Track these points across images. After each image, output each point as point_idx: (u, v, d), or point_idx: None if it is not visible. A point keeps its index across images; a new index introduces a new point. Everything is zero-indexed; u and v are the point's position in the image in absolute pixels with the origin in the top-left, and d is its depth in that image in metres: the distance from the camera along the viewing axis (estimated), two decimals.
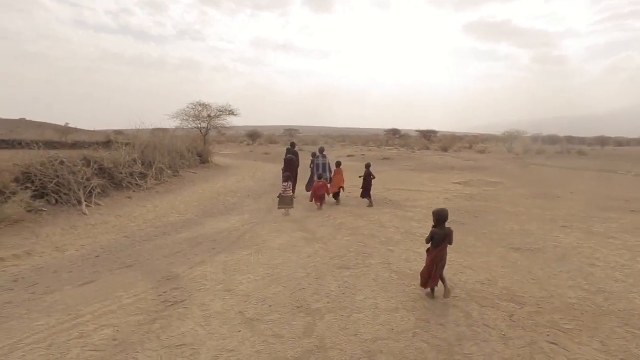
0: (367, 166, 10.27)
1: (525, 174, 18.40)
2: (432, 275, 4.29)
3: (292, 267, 5.34)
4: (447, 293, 4.29)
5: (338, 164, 10.40)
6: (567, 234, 7.16)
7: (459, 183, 14.51)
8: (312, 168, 10.91)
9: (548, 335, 3.54)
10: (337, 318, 3.87)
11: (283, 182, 8.94)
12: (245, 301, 4.29)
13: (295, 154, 11.29)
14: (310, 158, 11.31)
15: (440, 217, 4.35)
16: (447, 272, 5.06)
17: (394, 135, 59.95)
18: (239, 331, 3.64)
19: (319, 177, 9.97)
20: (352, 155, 28.91)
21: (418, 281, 4.59)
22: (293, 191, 9.32)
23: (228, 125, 21.99)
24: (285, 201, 8.81)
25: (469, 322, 3.78)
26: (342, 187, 10.26)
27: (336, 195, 10.15)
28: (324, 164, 10.63)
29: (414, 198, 10.95)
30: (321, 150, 11.04)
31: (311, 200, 9.70)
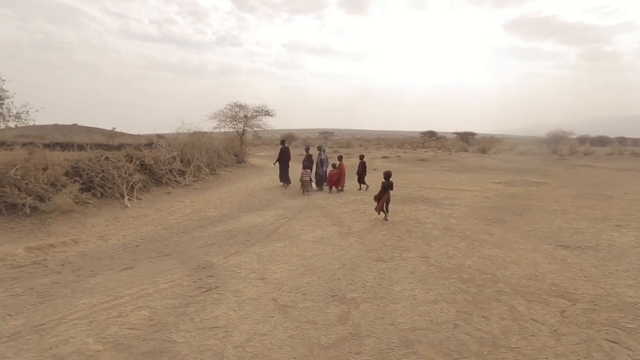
0: (361, 157, 12.14)
1: (572, 175, 17.33)
2: (381, 207, 7.53)
3: (327, 259, 5.25)
4: (386, 218, 7.51)
5: (340, 157, 12.10)
6: (623, 233, 6.61)
7: (500, 183, 13.88)
8: (317, 162, 12.28)
9: (607, 333, 3.23)
10: (373, 308, 3.74)
11: (302, 169, 11.51)
12: (279, 289, 4.24)
13: (288, 149, 13.60)
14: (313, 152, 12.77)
15: (386, 174, 7.78)
16: (489, 267, 4.88)
17: (431, 138, 58.48)
18: (272, 317, 3.59)
19: (319, 171, 12.00)
20: (387, 157, 28.45)
21: (458, 274, 4.62)
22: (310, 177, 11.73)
23: (264, 127, 22.21)
24: (305, 184, 11.24)
25: (515, 316, 3.53)
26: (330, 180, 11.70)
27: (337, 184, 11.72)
28: (322, 160, 12.16)
29: (452, 197, 10.57)
30: (319, 147, 12.69)
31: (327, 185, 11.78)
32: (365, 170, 12.06)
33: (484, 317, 3.51)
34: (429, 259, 5.16)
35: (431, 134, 60.46)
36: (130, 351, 3.05)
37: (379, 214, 7.68)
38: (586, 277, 4.54)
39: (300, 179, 11.49)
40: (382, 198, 7.53)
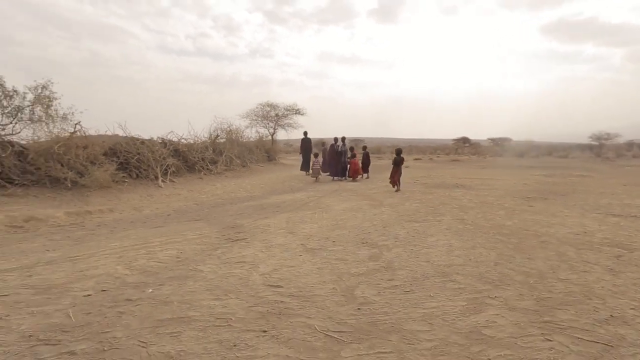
0: (364, 148, 13.02)
1: (620, 171, 16.26)
2: (396, 180, 8.31)
3: (358, 221, 5.09)
4: (397, 189, 8.27)
5: (352, 149, 12.38)
6: None
7: (539, 175, 13.20)
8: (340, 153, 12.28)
9: None
10: (407, 251, 3.54)
11: (314, 158, 11.93)
12: (308, 238, 4.13)
13: (309, 140, 14.26)
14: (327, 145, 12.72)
15: (397, 151, 8.84)
16: (531, 226, 4.56)
17: (464, 144, 56.90)
18: (301, 256, 3.47)
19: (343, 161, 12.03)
20: (420, 159, 27.94)
21: (498, 230, 4.35)
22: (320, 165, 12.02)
23: (295, 125, 22.26)
24: (315, 171, 11.69)
25: (564, 259, 3.24)
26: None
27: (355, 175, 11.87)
28: (343, 151, 12.20)
29: (488, 184, 10.12)
30: (343, 139, 12.51)
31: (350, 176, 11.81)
32: (369, 160, 12.78)
33: (528, 258, 3.24)
34: (465, 221, 4.89)
35: (464, 140, 58.79)
36: (156, 276, 3.02)
37: (393, 186, 8.47)
38: None
39: (311, 166, 12.07)
40: (395, 172, 8.39)
